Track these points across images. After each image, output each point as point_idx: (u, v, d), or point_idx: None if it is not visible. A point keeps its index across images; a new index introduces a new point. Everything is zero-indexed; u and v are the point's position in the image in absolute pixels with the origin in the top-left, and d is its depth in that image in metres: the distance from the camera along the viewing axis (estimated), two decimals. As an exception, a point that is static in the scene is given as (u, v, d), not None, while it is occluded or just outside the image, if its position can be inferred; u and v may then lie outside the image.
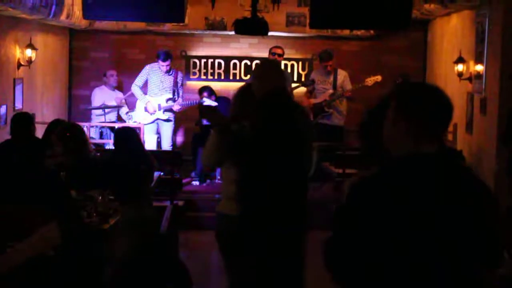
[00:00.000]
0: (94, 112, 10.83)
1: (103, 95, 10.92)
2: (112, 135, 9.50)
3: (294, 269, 4.70)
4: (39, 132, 7.09)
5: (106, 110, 10.54)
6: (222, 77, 11.71)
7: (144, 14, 8.22)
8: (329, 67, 10.28)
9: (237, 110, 4.78)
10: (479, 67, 8.25)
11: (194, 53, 11.76)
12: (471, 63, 8.67)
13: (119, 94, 11.08)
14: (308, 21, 8.96)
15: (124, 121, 10.63)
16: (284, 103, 4.68)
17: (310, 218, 4.75)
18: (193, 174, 10.51)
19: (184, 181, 10.17)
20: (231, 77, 11.65)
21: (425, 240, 2.29)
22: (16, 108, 8.95)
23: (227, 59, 11.72)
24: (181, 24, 10.13)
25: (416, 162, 2.37)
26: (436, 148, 2.39)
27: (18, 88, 9.18)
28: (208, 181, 10.43)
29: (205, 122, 9.81)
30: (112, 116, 10.84)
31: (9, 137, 6.91)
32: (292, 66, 11.68)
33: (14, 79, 9.06)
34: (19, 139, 6.49)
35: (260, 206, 4.53)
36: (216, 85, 11.23)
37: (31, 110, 9.23)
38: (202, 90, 10.68)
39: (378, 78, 10.04)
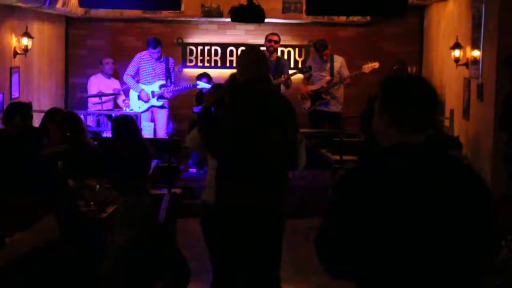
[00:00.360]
0: (91, 100, 10.82)
1: (99, 83, 10.90)
2: (109, 123, 9.49)
3: (270, 259, 4.69)
4: (36, 120, 7.08)
5: (103, 98, 10.53)
6: (219, 64, 11.68)
7: (140, 1, 8.22)
8: (325, 56, 10.27)
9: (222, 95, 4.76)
10: (476, 53, 8.24)
11: (190, 40, 11.72)
12: (468, 48, 8.66)
13: (115, 82, 11.07)
14: (304, 7, 8.94)
15: (121, 109, 10.63)
16: (261, 90, 4.66)
17: (286, 208, 4.71)
18: (189, 161, 10.51)
19: (180, 167, 10.16)
20: (227, 64, 11.61)
21: (408, 231, 2.31)
22: (13, 97, 8.94)
23: (224, 46, 11.68)
24: (178, 11, 10.11)
25: (399, 152, 2.40)
26: (424, 137, 2.41)
27: (15, 77, 9.16)
28: (205, 168, 10.40)
29: (195, 109, 9.81)
30: (109, 104, 10.83)
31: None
32: (289, 52, 11.65)
33: (11, 68, 9.04)
34: (16, 129, 6.46)
35: (227, 197, 4.55)
36: (212, 72, 11.19)
37: (27, 99, 9.22)
38: (200, 76, 10.69)
39: (376, 64, 10.00)
